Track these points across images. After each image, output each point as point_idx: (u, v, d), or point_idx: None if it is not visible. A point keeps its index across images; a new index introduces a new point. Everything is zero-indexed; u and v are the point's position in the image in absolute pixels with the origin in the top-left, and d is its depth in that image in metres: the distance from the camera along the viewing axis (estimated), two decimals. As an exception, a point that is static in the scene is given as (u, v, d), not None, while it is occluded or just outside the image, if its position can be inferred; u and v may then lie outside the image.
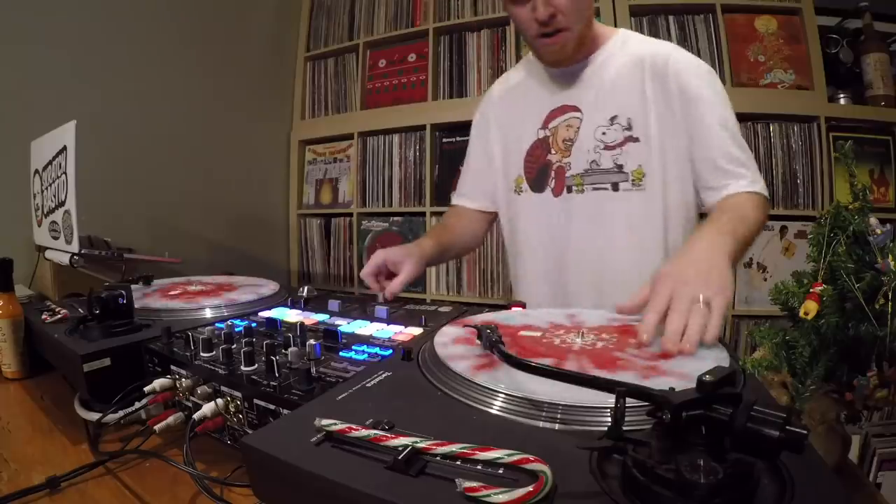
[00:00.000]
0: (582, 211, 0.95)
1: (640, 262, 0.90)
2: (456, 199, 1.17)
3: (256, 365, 0.56)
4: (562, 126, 0.97)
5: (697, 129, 0.87)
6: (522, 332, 0.60)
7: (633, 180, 0.91)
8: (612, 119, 0.91)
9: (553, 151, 0.98)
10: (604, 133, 0.92)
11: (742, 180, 0.84)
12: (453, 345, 0.55)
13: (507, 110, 1.07)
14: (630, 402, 0.32)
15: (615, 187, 0.92)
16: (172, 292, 0.92)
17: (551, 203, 0.98)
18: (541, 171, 1.00)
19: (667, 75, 0.88)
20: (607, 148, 0.92)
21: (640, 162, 0.90)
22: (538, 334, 0.59)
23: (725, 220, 0.75)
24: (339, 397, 0.44)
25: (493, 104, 1.10)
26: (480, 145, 1.11)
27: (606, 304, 0.76)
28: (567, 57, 0.92)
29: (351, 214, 2.17)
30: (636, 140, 0.90)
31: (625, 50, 0.93)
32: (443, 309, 0.81)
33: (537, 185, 1.00)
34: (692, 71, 0.88)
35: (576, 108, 0.95)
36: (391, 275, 0.94)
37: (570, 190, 0.96)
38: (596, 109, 0.93)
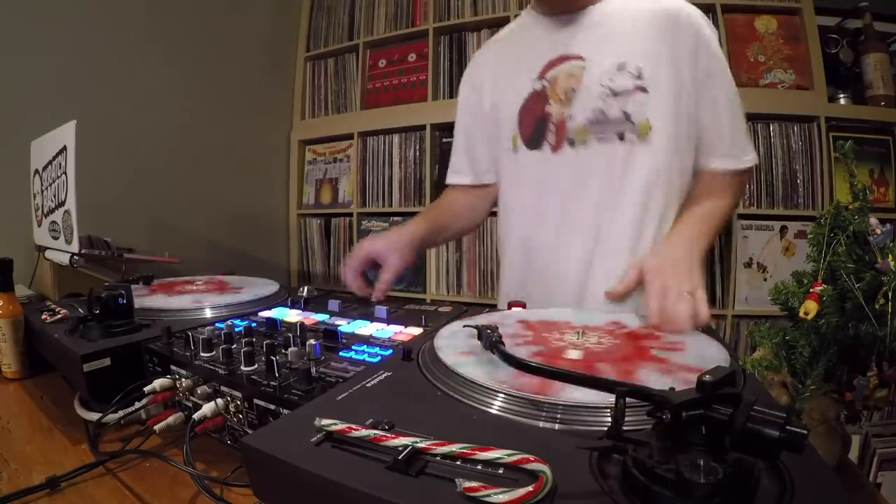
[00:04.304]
0: (582, 166, 0.87)
1: (637, 228, 0.85)
2: (449, 178, 1.08)
3: (256, 365, 0.56)
4: (562, 75, 0.88)
5: (705, 96, 0.83)
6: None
7: (639, 133, 0.83)
8: (621, 66, 0.83)
9: (552, 102, 0.88)
10: (611, 79, 0.84)
11: (731, 157, 0.86)
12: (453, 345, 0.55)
13: (497, 65, 0.98)
14: (630, 402, 0.32)
15: (621, 137, 0.84)
16: (172, 291, 0.92)
17: (549, 160, 0.89)
18: (538, 125, 0.90)
19: (679, 28, 0.82)
20: (615, 95, 0.84)
21: (648, 115, 0.82)
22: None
23: (701, 219, 0.83)
24: (339, 397, 0.44)
25: (481, 64, 1.02)
26: (470, 112, 1.03)
27: (597, 274, 0.85)
28: None
29: (351, 214, 2.17)
30: (645, 91, 0.82)
31: (631, 2, 0.87)
32: (443, 309, 0.81)
33: (534, 141, 0.91)
34: (706, 32, 0.83)
35: (578, 57, 0.87)
36: (378, 265, 0.91)
37: (572, 143, 0.87)
38: (602, 55, 0.85)
